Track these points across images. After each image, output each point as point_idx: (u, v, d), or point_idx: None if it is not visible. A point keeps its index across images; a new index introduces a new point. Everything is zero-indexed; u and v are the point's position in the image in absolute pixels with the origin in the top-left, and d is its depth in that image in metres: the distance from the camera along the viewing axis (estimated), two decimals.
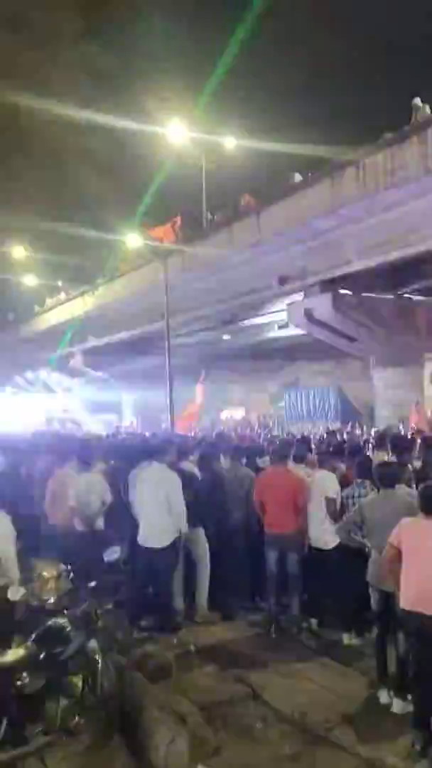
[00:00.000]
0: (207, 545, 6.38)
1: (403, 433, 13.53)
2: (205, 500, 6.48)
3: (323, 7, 37.33)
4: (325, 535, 5.94)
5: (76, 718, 3.87)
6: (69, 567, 5.18)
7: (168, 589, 6.21)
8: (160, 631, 5.90)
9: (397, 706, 4.49)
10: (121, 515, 6.75)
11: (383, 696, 4.65)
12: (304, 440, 9.96)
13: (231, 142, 25.51)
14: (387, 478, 4.90)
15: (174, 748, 3.95)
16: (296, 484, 6.15)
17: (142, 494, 6.17)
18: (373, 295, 19.09)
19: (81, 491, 6.91)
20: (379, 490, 5.04)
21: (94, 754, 3.93)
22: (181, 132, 23.25)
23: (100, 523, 6.85)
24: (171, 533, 6.02)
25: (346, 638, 5.83)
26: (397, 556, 4.18)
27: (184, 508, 6.03)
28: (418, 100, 15.04)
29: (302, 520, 6.05)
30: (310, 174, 17.82)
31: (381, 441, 8.31)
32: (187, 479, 6.34)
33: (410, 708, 4.26)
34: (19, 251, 33.03)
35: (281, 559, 6.09)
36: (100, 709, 4.15)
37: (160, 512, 6.00)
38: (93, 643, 4.18)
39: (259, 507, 6.35)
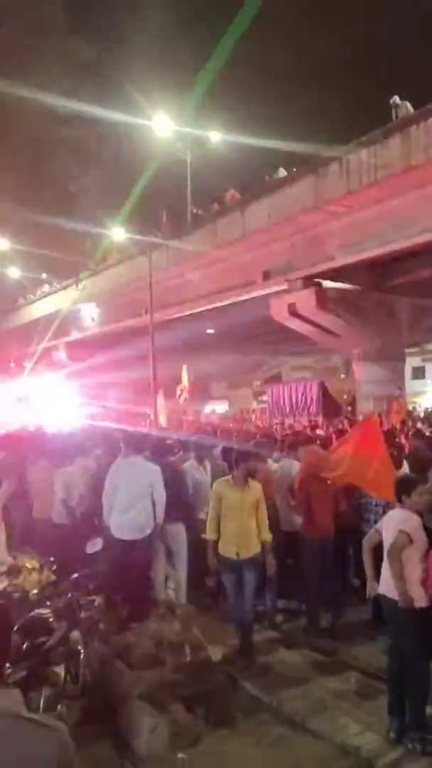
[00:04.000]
0: (186, 541, 6.43)
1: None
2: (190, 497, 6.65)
3: (309, 5, 37.36)
4: (291, 516, 6.33)
5: (59, 707, 3.91)
6: (52, 559, 5.23)
7: (146, 580, 6.29)
8: (138, 621, 5.96)
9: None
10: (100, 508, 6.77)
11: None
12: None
13: (216, 137, 25.46)
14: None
15: (155, 737, 4.02)
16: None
17: (123, 486, 6.19)
18: (355, 290, 19.23)
19: (61, 484, 6.96)
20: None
21: (76, 743, 3.97)
22: (167, 125, 23.16)
23: (74, 517, 6.91)
24: (150, 525, 6.12)
25: (324, 622, 6.01)
26: (376, 541, 4.34)
27: (164, 500, 6.13)
28: (396, 98, 15.19)
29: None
30: (294, 170, 17.90)
31: None
32: (171, 475, 6.40)
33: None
34: (2, 243, 32.65)
35: None
36: (82, 699, 4.20)
37: (141, 504, 6.07)
38: (75, 634, 4.23)
39: None
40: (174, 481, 6.38)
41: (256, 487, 5.43)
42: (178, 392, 24.13)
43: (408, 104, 15.17)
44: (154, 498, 6.11)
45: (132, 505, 6.08)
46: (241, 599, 5.33)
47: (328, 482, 6.11)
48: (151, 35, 37.69)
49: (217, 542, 5.40)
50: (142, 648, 5.01)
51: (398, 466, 7.15)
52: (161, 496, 6.12)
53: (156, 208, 27.02)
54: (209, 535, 5.42)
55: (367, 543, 4.46)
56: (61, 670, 4.07)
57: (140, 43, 36.45)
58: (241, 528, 5.28)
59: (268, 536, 5.44)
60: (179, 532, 6.42)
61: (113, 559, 5.98)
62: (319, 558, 6.07)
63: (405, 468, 7.33)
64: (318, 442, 7.92)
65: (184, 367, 23.84)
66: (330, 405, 19.48)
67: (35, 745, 1.47)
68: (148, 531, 6.11)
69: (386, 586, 4.17)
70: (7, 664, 3.66)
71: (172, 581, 6.62)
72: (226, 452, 7.47)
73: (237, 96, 36.94)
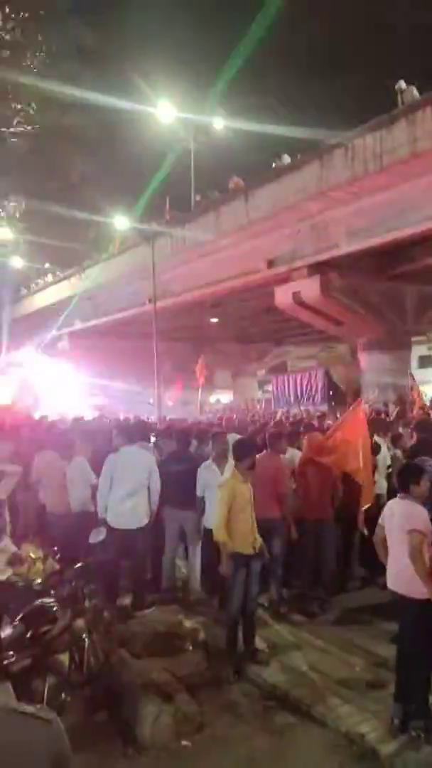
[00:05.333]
0: (201, 527, 6.44)
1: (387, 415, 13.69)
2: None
3: None
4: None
5: (63, 695, 3.92)
6: (55, 548, 5.23)
7: (144, 568, 6.30)
8: (138, 610, 5.99)
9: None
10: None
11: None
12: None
13: (219, 123, 25.27)
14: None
15: (159, 725, 4.03)
16: (276, 471, 6.15)
17: (121, 476, 6.20)
18: (360, 278, 19.10)
19: (69, 474, 6.97)
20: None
21: (80, 731, 3.99)
22: (170, 112, 22.98)
23: (88, 506, 6.90)
24: (147, 513, 6.18)
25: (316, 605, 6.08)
26: (385, 536, 4.27)
27: (159, 488, 6.22)
28: (402, 83, 14.97)
29: (286, 505, 6.13)
30: (299, 156, 17.72)
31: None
32: (189, 463, 6.45)
33: None
34: (4, 232, 32.54)
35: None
36: (86, 687, 4.22)
37: (140, 493, 6.09)
38: (80, 623, 4.23)
39: None
40: (191, 470, 6.37)
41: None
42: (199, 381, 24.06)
43: (414, 89, 14.95)
44: (150, 486, 6.18)
45: (131, 495, 6.10)
46: (248, 589, 5.25)
47: (327, 466, 6.20)
48: (154, 20, 37.29)
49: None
50: (146, 637, 5.02)
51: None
52: (156, 484, 6.22)
53: (159, 196, 26.87)
54: (223, 537, 5.05)
55: (376, 540, 4.40)
56: (65, 659, 4.08)
57: (143, 28, 36.10)
58: (253, 522, 5.18)
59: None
60: (193, 518, 6.43)
61: (115, 549, 6.00)
62: (314, 541, 6.11)
63: (382, 455, 7.43)
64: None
65: (201, 358, 23.73)
66: (335, 394, 19.43)
67: (28, 737, 1.45)
68: (147, 520, 6.18)
69: (393, 579, 4.14)
70: (11, 653, 3.69)
71: (185, 567, 6.65)
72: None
73: (240, 82, 36.59)
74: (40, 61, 25.18)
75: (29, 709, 1.52)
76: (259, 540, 5.23)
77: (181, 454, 6.88)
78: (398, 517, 4.10)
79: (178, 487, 6.38)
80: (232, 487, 5.13)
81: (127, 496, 6.12)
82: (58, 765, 1.47)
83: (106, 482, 6.21)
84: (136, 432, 6.82)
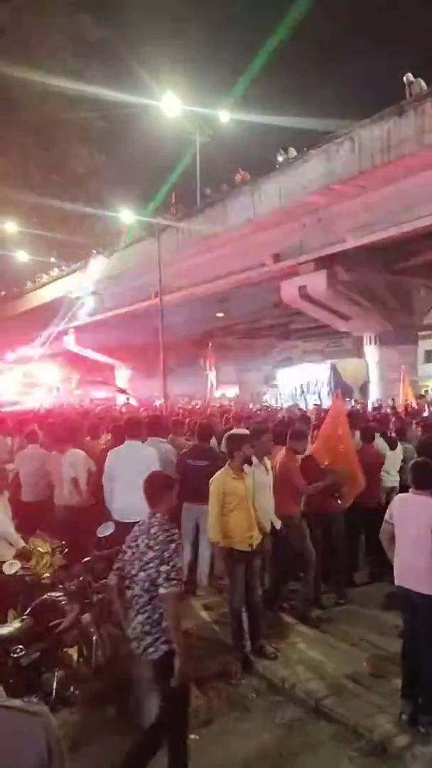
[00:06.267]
0: None
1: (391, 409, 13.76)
2: None
3: None
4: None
5: (72, 689, 3.94)
6: (63, 543, 5.25)
7: None
8: None
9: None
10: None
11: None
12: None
13: (225, 116, 25.16)
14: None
15: None
16: (293, 469, 6.04)
17: (122, 471, 6.22)
18: (367, 272, 19.02)
19: (66, 466, 7.01)
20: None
21: (89, 725, 4.01)
22: (176, 105, 22.90)
23: (83, 498, 6.94)
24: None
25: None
26: (393, 533, 4.23)
27: None
28: (409, 75, 14.86)
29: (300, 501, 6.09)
30: (305, 149, 17.63)
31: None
32: (213, 460, 6.43)
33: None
34: (10, 226, 32.61)
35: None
36: (95, 681, 4.22)
37: (138, 487, 6.10)
38: (87, 616, 4.24)
39: None
40: (210, 466, 6.33)
41: (249, 471, 5.23)
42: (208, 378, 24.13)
43: (422, 81, 14.83)
44: None
45: (131, 488, 6.12)
46: (250, 585, 5.19)
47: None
48: (159, 15, 37.07)
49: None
50: None
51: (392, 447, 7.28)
52: None
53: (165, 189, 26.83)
54: (216, 537, 5.06)
55: (384, 537, 4.34)
56: (74, 653, 4.10)
57: (148, 23, 35.89)
58: (250, 518, 5.09)
59: (267, 522, 5.34)
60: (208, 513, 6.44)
61: (119, 542, 6.00)
62: (322, 535, 6.10)
63: (399, 449, 7.42)
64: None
65: (209, 345, 23.69)
66: (341, 388, 19.35)
67: (15, 732, 1.43)
68: (146, 514, 6.15)
69: (404, 575, 4.12)
70: (21, 646, 3.71)
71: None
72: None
73: (246, 75, 36.41)
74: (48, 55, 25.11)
75: (17, 703, 1.50)
76: (258, 537, 5.14)
77: (200, 450, 6.84)
78: (415, 514, 4.07)
79: (195, 482, 6.37)
80: (222, 483, 5.07)
81: (127, 490, 6.16)
82: (48, 760, 1.45)
83: (107, 477, 6.27)
84: (139, 426, 6.81)
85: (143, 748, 3.47)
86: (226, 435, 6.16)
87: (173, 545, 3.46)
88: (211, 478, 5.29)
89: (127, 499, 6.14)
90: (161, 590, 3.36)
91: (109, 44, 33.00)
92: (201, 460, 6.54)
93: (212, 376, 21.95)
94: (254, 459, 5.49)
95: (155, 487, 3.81)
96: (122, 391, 21.32)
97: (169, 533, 3.51)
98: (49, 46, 31.70)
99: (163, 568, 3.38)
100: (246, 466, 5.20)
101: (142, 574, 3.47)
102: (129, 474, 6.16)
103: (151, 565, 3.43)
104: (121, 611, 3.64)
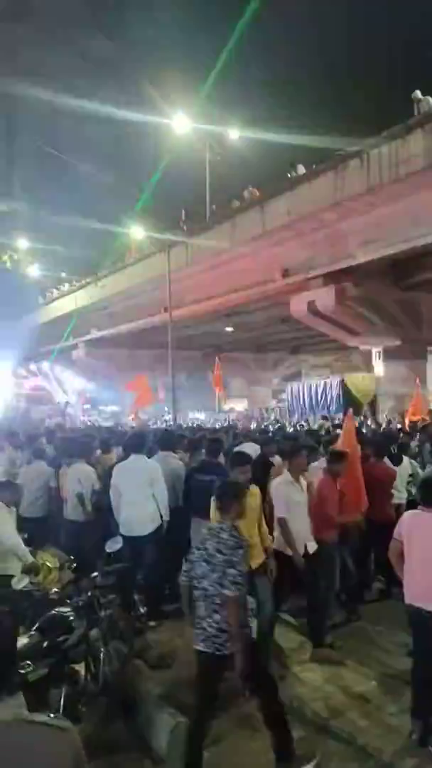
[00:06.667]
0: None
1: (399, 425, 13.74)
2: None
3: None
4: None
5: (79, 705, 3.92)
6: (72, 557, 5.25)
7: (156, 577, 6.30)
8: (156, 619, 5.99)
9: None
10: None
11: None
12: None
13: (235, 134, 25.41)
14: None
15: (175, 736, 4.00)
16: (331, 495, 5.88)
17: (125, 484, 6.24)
18: (376, 287, 19.04)
19: (72, 481, 7.09)
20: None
21: (96, 742, 3.99)
22: (185, 123, 23.16)
23: (93, 513, 6.98)
24: (155, 521, 6.19)
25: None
26: (402, 550, 4.20)
27: (166, 496, 6.24)
28: (418, 93, 14.98)
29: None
30: (314, 167, 17.76)
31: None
32: (216, 472, 6.43)
33: None
34: (22, 242, 33.01)
35: None
36: (102, 697, 4.21)
37: (143, 501, 6.13)
38: (95, 632, 4.23)
39: None
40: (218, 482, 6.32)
41: (255, 494, 5.04)
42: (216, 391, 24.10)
43: (430, 99, 14.95)
44: (155, 495, 6.19)
45: (134, 503, 6.16)
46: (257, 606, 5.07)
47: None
48: (170, 35, 37.63)
49: None
50: (162, 647, 5.01)
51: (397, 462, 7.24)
52: (161, 493, 6.22)
53: (175, 206, 27.05)
54: None
55: (392, 554, 4.31)
56: (81, 669, 4.09)
57: (159, 41, 36.42)
58: (254, 537, 4.90)
59: (268, 542, 5.20)
60: None
61: (125, 557, 6.01)
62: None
63: (405, 464, 7.39)
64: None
65: (217, 359, 23.65)
66: (350, 403, 19.32)
67: (44, 747, 1.47)
68: (153, 527, 6.18)
69: (412, 594, 4.09)
70: (28, 662, 3.71)
71: None
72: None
73: (255, 93, 36.83)
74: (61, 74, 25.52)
75: (45, 718, 1.53)
76: (258, 556, 4.99)
77: (208, 464, 6.83)
78: (424, 531, 4.04)
79: (203, 498, 6.37)
80: None
81: (130, 505, 6.19)
82: None
83: (114, 492, 6.32)
84: (142, 440, 6.85)
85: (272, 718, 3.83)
86: (233, 452, 6.15)
87: (241, 551, 3.73)
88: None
89: (132, 513, 6.17)
90: (226, 592, 3.61)
91: (120, 63, 33.54)
92: (209, 475, 6.53)
93: (217, 400, 21.75)
94: (289, 477, 5.49)
95: (227, 494, 4.02)
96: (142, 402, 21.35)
97: (237, 539, 3.77)
98: (62, 66, 32.26)
99: (230, 571, 3.63)
100: (253, 487, 5.09)
101: (215, 575, 3.69)
102: (133, 488, 6.20)
103: (219, 568, 3.68)
104: (186, 607, 3.89)
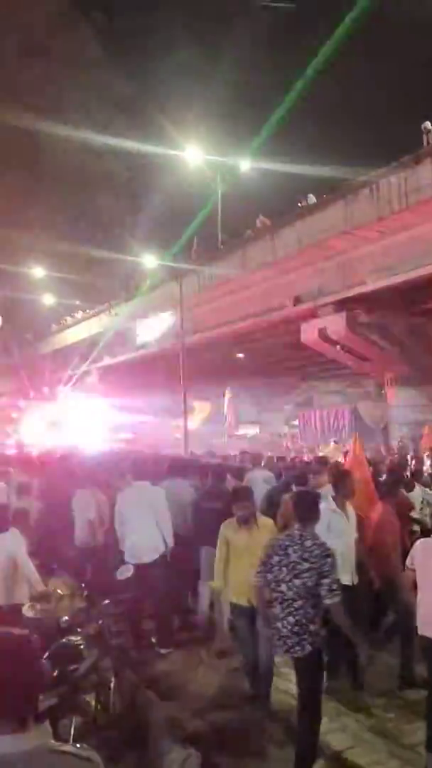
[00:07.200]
0: None
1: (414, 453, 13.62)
2: None
3: (341, 31, 37.78)
4: None
5: (89, 736, 3.89)
6: (83, 585, 5.25)
7: (166, 605, 6.26)
8: (166, 647, 5.94)
9: None
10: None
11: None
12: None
13: (246, 165, 25.84)
14: None
15: None
16: (380, 525, 5.68)
17: (128, 511, 6.25)
18: (387, 314, 19.10)
19: (76, 508, 7.12)
20: None
21: None
22: (197, 155, 23.63)
23: (99, 539, 6.96)
24: (160, 548, 6.16)
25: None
26: (416, 579, 4.17)
27: (170, 522, 6.22)
28: (428, 124, 15.22)
29: None
30: (324, 196, 18.01)
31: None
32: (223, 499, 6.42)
33: None
34: (38, 271, 33.59)
35: None
36: (113, 728, 4.17)
37: (146, 527, 6.14)
38: (106, 662, 4.20)
39: None
40: (225, 508, 6.27)
41: (266, 527, 4.94)
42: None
43: None
44: (158, 521, 6.17)
45: (138, 529, 6.15)
46: (258, 648, 4.81)
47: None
48: (183, 70, 38.61)
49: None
50: (173, 677, 4.97)
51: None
52: (164, 518, 6.19)
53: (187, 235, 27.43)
54: (215, 583, 5.11)
55: (408, 582, 4.30)
56: (91, 699, 4.05)
57: (173, 78, 37.40)
58: (250, 573, 4.51)
59: None
60: None
61: (133, 584, 5.99)
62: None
63: (417, 492, 7.32)
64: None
65: (227, 392, 23.85)
66: (362, 430, 19.26)
67: None
68: (157, 554, 6.14)
69: (426, 625, 4.04)
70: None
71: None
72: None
73: (267, 123, 37.48)
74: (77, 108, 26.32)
75: (69, 748, 1.56)
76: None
77: (213, 493, 6.79)
78: None
79: (210, 525, 6.35)
80: (224, 535, 5.05)
81: (134, 532, 6.19)
82: None
83: (118, 519, 6.34)
84: (145, 467, 6.89)
85: (304, 736, 3.99)
86: (234, 487, 6.13)
87: (330, 560, 3.87)
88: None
89: (137, 540, 6.16)
90: (327, 601, 3.83)
91: (135, 98, 34.42)
92: (215, 503, 6.51)
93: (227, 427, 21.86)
94: (333, 505, 5.20)
95: (304, 505, 4.18)
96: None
97: (324, 548, 3.91)
98: (79, 101, 33.17)
99: (325, 581, 3.81)
100: (263, 520, 5.00)
101: (297, 581, 3.85)
102: (136, 515, 6.19)
103: (306, 575, 3.83)
104: (263, 611, 4.11)
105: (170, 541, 6.24)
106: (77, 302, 37.93)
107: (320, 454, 15.47)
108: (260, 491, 7.97)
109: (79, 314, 36.97)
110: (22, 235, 32.67)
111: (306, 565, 3.83)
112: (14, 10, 29.21)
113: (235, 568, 4.88)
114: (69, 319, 38.00)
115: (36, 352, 40.88)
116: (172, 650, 5.96)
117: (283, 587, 3.89)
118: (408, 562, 4.23)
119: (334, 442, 18.66)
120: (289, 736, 4.60)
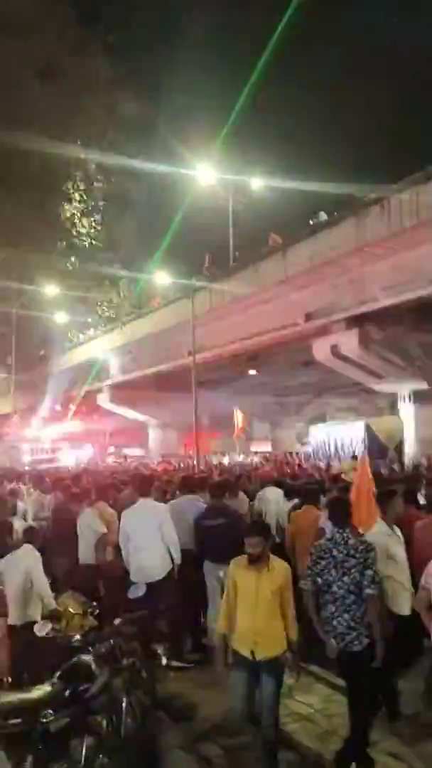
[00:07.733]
0: None
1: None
2: None
3: (348, 49, 38.29)
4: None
5: (101, 757, 3.83)
6: (95, 604, 5.21)
7: (178, 624, 6.19)
8: (175, 669, 5.88)
9: None
10: None
11: None
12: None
13: (257, 183, 26.07)
14: None
15: None
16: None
17: (133, 530, 6.22)
18: (399, 331, 19.04)
19: (81, 526, 7.14)
20: None
21: None
22: (209, 173, 23.86)
23: (105, 556, 6.95)
24: (167, 565, 6.12)
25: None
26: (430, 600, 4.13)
27: (176, 539, 6.15)
28: None
29: None
30: (335, 213, 18.09)
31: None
32: (235, 520, 6.43)
33: None
34: (51, 289, 33.94)
35: None
36: (124, 749, 4.11)
37: (152, 546, 6.10)
38: (118, 682, 4.15)
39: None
40: (236, 526, 6.14)
41: (280, 570, 4.27)
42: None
43: None
44: (164, 539, 6.12)
45: (144, 548, 6.10)
46: (262, 710, 4.21)
47: None
48: (194, 91, 39.17)
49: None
50: (184, 698, 4.91)
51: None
52: (170, 536, 6.14)
53: (199, 252, 27.66)
54: (218, 628, 4.47)
55: (420, 604, 4.22)
56: (102, 719, 4.00)
57: (183, 99, 37.88)
58: (256, 621, 4.15)
59: (294, 634, 4.23)
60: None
61: (144, 603, 5.95)
62: None
63: None
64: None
65: (237, 410, 23.87)
66: (377, 447, 19.09)
67: None
68: (164, 573, 6.09)
69: None
70: (50, 711, 3.66)
71: None
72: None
73: (277, 144, 37.89)
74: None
75: None
76: (273, 648, 4.17)
77: (216, 509, 6.75)
78: None
79: (213, 542, 6.31)
80: (231, 574, 4.39)
81: (139, 550, 6.15)
82: None
83: (123, 537, 6.31)
84: (149, 484, 6.87)
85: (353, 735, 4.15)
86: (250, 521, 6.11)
87: (372, 553, 4.19)
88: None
89: (143, 558, 6.11)
90: (368, 590, 4.07)
91: (146, 118, 34.87)
92: (216, 519, 6.47)
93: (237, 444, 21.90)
94: (384, 527, 4.88)
95: (342, 510, 4.51)
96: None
97: (366, 544, 4.26)
98: (90, 121, 33.64)
99: (368, 572, 4.10)
100: (275, 560, 4.35)
101: (346, 578, 4.13)
102: (142, 533, 6.15)
103: (354, 570, 4.11)
104: (314, 612, 4.25)
105: (177, 558, 6.18)
106: (89, 320, 38.24)
107: (333, 472, 15.36)
108: (272, 511, 7.96)
109: (91, 331, 37.23)
110: (35, 253, 33.07)
111: (353, 561, 4.10)
112: (25, 34, 29.85)
113: (242, 614, 4.26)
114: (81, 336, 38.28)
115: (49, 369, 41.13)
116: (184, 670, 5.90)
117: (335, 587, 4.13)
118: (422, 582, 4.16)
119: (352, 458, 18.48)
120: (303, 758, 4.52)
